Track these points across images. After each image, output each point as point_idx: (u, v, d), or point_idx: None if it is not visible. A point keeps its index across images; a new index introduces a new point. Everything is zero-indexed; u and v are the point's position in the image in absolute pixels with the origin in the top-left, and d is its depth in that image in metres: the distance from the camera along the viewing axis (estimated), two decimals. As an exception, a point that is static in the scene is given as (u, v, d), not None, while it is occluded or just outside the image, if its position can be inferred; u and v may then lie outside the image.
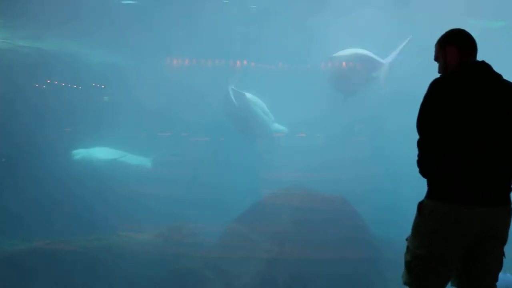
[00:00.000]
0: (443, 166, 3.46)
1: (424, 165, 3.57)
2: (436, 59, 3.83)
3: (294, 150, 16.16)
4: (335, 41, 13.79)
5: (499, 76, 3.60)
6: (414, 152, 3.65)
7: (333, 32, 13.64)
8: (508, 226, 3.60)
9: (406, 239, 3.72)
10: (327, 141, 16.59)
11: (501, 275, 8.92)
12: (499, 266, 3.73)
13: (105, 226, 11.24)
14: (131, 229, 11.08)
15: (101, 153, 15.33)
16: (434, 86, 3.49)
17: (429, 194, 3.55)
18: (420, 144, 3.54)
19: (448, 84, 3.46)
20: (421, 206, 3.57)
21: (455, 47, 3.69)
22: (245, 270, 9.29)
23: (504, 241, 3.62)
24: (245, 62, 17.18)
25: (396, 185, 13.00)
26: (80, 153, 15.20)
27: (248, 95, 15.04)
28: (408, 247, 3.67)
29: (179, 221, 10.94)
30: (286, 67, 18.01)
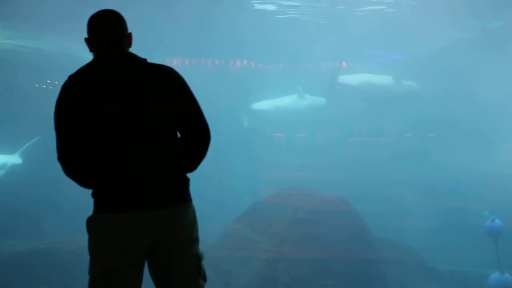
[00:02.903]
0: (92, 173, 3.07)
1: (72, 175, 3.13)
2: None
3: (294, 150, 16.17)
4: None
5: (141, 61, 3.16)
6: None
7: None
8: (181, 231, 3.15)
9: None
10: (327, 141, 16.60)
11: (500, 275, 8.94)
12: (189, 276, 3.24)
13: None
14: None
15: None
16: (67, 82, 3.07)
17: (94, 208, 3.14)
18: (61, 150, 3.06)
19: (80, 78, 3.06)
20: (89, 222, 3.15)
21: (88, 40, 3.19)
22: (245, 270, 9.29)
23: (181, 248, 3.17)
24: (245, 62, 17.20)
25: (396, 186, 13.02)
26: None
27: None
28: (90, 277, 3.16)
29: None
30: (287, 67, 18.03)
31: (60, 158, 3.09)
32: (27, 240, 10.89)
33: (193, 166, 3.30)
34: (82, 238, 10.43)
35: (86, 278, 3.16)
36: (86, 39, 3.19)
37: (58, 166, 3.12)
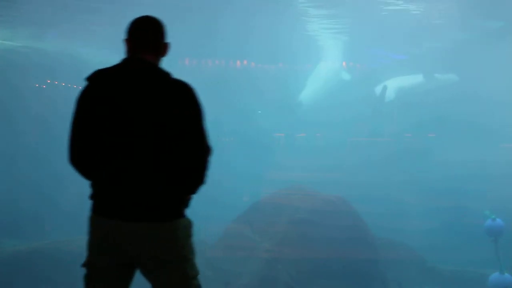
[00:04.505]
0: (91, 169, 3.13)
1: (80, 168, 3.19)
2: None
3: (294, 150, 16.19)
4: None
5: (160, 74, 3.08)
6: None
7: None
8: (164, 247, 3.04)
9: None
10: (327, 141, 16.62)
11: (500, 275, 8.94)
12: None
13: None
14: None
15: None
16: (87, 80, 3.10)
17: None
18: (70, 139, 3.13)
19: (97, 78, 3.08)
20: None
21: (128, 40, 3.16)
22: (245, 270, 9.29)
23: (165, 264, 3.07)
24: (245, 62, 17.21)
25: (396, 186, 13.04)
26: None
27: None
28: None
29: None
30: (287, 67, 18.05)
31: (69, 146, 3.15)
32: (28, 240, 10.90)
33: (189, 188, 3.20)
34: (82, 238, 10.41)
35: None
36: (124, 40, 3.18)
37: None
